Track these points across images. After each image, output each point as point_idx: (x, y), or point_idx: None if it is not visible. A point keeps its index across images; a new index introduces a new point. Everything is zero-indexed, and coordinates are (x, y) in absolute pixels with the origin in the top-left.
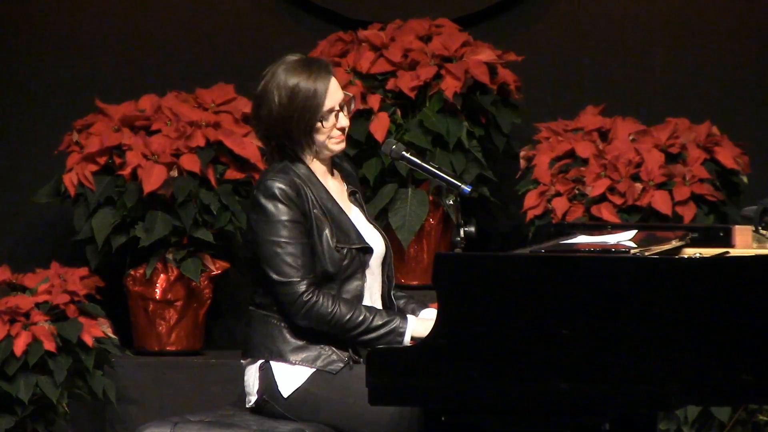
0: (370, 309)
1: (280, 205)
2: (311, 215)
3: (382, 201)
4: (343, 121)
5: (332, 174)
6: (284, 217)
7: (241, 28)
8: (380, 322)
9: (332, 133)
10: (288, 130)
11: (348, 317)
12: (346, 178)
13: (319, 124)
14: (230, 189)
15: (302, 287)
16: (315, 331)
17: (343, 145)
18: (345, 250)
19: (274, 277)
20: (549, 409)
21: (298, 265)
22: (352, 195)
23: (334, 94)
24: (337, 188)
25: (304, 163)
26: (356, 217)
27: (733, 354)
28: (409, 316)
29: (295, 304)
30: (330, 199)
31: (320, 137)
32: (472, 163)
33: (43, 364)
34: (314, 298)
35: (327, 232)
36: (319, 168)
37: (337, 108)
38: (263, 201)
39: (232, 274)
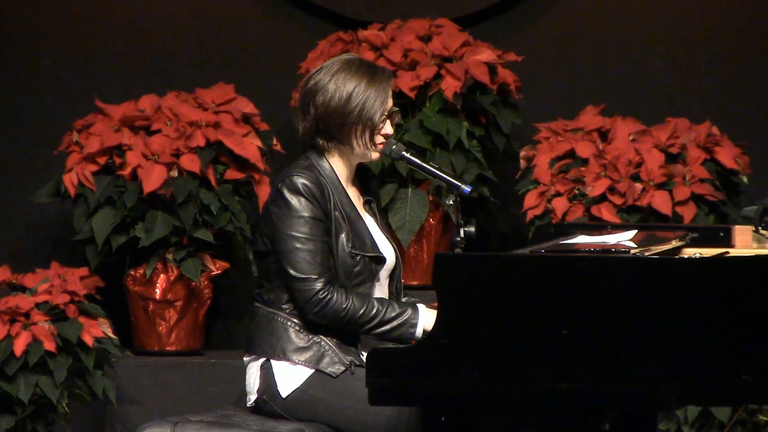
0: (382, 301)
1: (303, 201)
2: (332, 216)
3: (382, 201)
4: (389, 128)
5: (352, 181)
6: (306, 214)
7: (241, 28)
8: (393, 315)
9: (376, 139)
10: (341, 124)
11: (361, 312)
12: (364, 187)
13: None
14: (230, 189)
15: (318, 285)
16: (323, 329)
17: (378, 155)
18: (358, 257)
19: (292, 272)
20: (549, 409)
21: (316, 262)
22: (367, 203)
23: (390, 100)
24: (355, 195)
25: (329, 163)
26: (371, 225)
27: (733, 354)
28: (420, 307)
29: (311, 302)
30: (349, 204)
31: (365, 140)
32: (472, 163)
33: (43, 364)
34: (329, 296)
35: (343, 236)
36: (342, 172)
37: (387, 114)
38: (287, 195)
39: (232, 274)
